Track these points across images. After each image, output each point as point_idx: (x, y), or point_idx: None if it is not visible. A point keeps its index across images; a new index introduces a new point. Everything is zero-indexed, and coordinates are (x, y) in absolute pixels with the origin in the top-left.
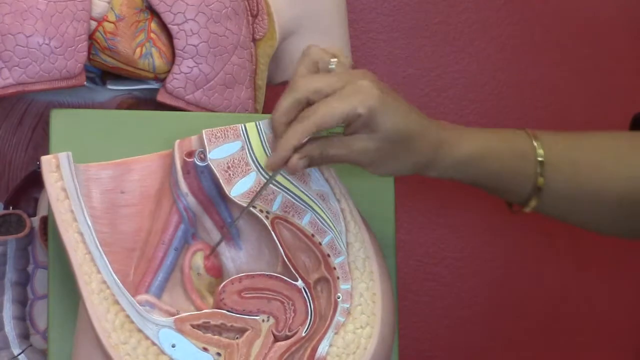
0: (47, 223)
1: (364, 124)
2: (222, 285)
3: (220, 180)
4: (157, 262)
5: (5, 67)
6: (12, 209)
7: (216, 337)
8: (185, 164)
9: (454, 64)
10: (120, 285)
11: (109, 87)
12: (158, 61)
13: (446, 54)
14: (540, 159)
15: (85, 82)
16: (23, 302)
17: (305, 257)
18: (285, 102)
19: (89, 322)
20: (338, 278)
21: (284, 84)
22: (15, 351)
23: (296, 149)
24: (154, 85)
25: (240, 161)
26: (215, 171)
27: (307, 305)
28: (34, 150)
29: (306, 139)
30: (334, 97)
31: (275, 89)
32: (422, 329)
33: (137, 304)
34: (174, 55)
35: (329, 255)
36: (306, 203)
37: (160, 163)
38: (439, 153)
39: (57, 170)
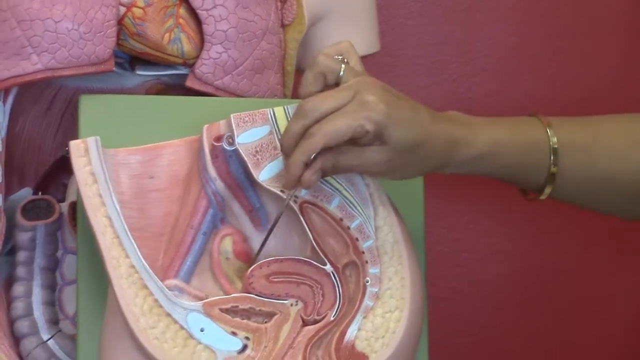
0: (76, 208)
1: (374, 137)
2: (250, 270)
3: (249, 165)
4: (186, 246)
5: (34, 53)
6: (41, 194)
7: (245, 321)
8: (213, 149)
9: (483, 50)
10: (149, 269)
11: (138, 72)
12: (187, 47)
13: (475, 39)
14: (554, 146)
15: (114, 68)
16: (52, 288)
17: (334, 241)
18: (294, 128)
19: (118, 306)
20: (367, 262)
21: None
22: (45, 336)
23: (306, 165)
24: (182, 70)
25: (268, 145)
26: (244, 155)
27: (335, 290)
28: (63, 135)
29: (314, 155)
30: (340, 114)
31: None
32: (450, 314)
33: (166, 289)
34: (202, 40)
35: (357, 239)
36: (334, 187)
37: (189, 148)
38: (451, 154)
39: (85, 154)
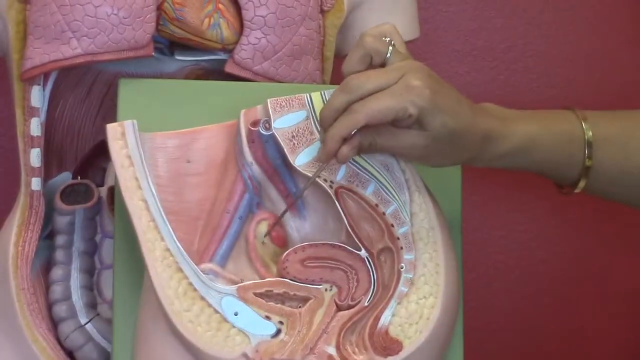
0: (114, 193)
1: (415, 122)
2: (285, 254)
3: (285, 150)
4: (222, 231)
5: (74, 37)
6: (80, 178)
7: (279, 305)
8: (250, 133)
9: (523, 37)
10: (184, 253)
11: (177, 57)
12: (226, 32)
13: (515, 26)
14: (589, 140)
15: (153, 53)
16: (90, 272)
17: (369, 227)
18: (337, 102)
19: (153, 289)
20: (401, 248)
21: None
22: (83, 320)
23: (344, 140)
24: (221, 56)
25: (304, 130)
26: (280, 140)
27: (370, 275)
28: (102, 120)
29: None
30: (385, 94)
31: (343, 61)
32: (487, 301)
33: (201, 272)
34: (242, 26)
35: (392, 225)
36: (370, 173)
37: (226, 133)
38: (485, 147)
39: (122, 137)
